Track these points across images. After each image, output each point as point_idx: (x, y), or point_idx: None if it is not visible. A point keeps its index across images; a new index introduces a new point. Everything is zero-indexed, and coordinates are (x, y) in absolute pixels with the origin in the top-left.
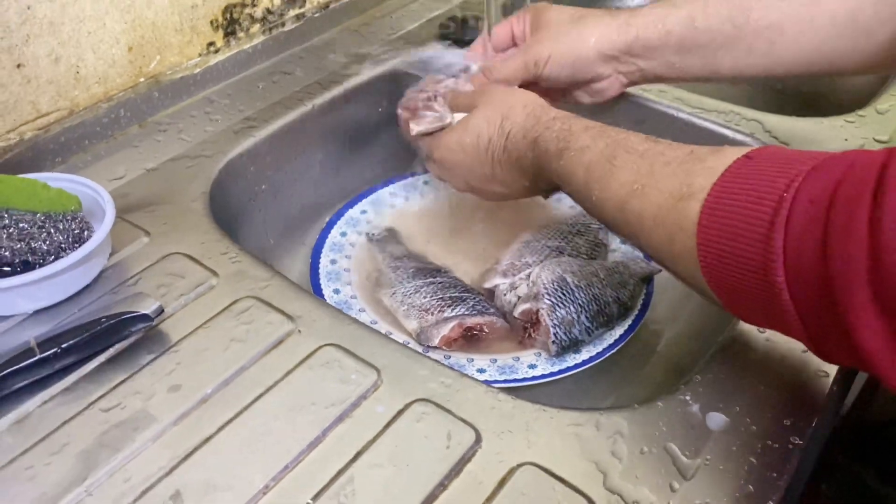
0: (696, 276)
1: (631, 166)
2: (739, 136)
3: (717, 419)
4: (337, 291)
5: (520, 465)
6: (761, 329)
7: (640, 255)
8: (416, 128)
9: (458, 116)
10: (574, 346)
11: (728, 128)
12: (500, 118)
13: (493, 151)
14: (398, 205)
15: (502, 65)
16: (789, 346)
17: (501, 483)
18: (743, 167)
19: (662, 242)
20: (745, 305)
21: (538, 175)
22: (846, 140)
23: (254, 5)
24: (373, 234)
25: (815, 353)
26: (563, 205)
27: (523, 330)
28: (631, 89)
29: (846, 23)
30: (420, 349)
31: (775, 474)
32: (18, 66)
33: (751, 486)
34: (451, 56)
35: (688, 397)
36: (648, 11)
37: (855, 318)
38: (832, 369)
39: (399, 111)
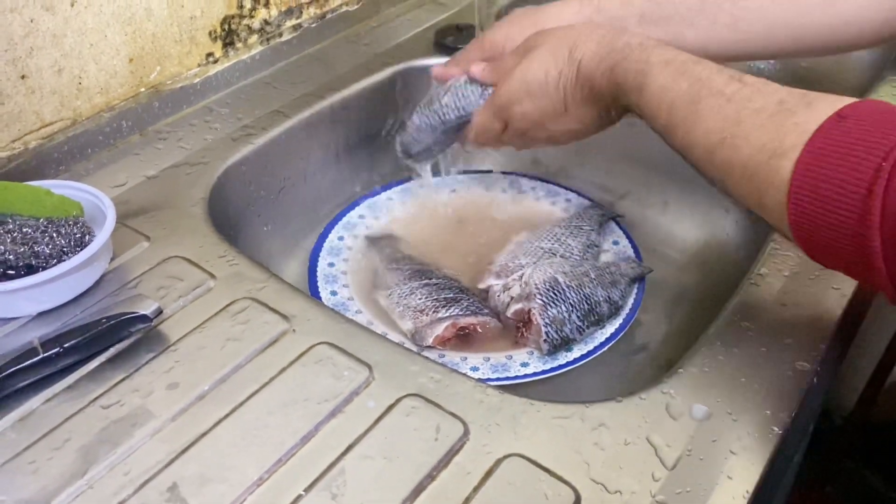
0: (781, 225)
1: (717, 113)
2: None
3: (698, 411)
4: (334, 293)
5: (506, 457)
6: (745, 324)
7: (632, 255)
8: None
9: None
10: (565, 344)
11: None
12: (567, 49)
13: (564, 84)
14: (395, 209)
15: (459, 55)
16: (771, 339)
17: (488, 474)
18: (835, 128)
19: (751, 194)
20: (831, 259)
21: (614, 103)
22: None
23: (251, 17)
24: (370, 237)
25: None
26: (556, 207)
27: (516, 329)
28: None
29: None
30: (413, 348)
31: (754, 465)
32: (23, 77)
33: (730, 476)
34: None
35: (671, 391)
36: None
37: None
38: (813, 361)
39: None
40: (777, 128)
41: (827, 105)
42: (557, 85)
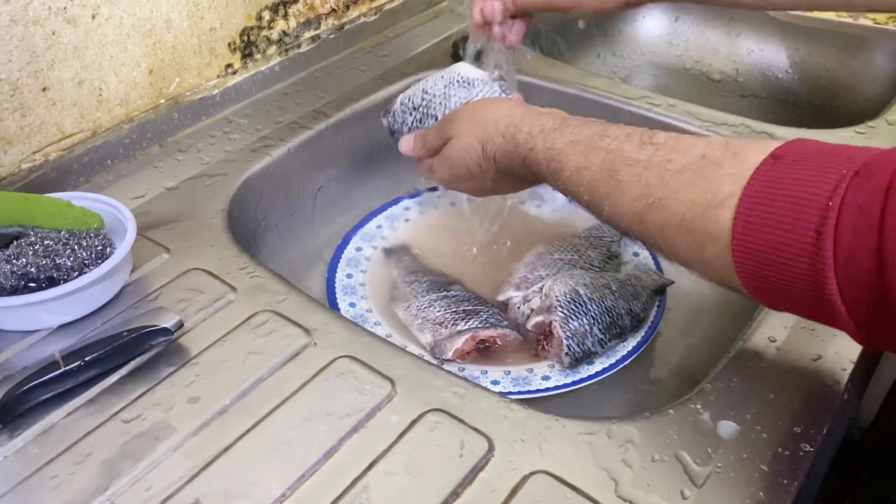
0: (727, 277)
1: (638, 180)
2: None
3: (727, 427)
4: (353, 305)
5: (532, 474)
6: (772, 338)
7: (653, 266)
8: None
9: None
10: (587, 357)
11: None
12: (479, 145)
13: (489, 173)
14: (413, 219)
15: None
16: (800, 354)
17: (514, 491)
18: (773, 170)
19: (691, 250)
20: (785, 304)
21: (537, 182)
22: None
23: (270, 28)
24: (389, 249)
25: (864, 345)
26: (575, 217)
27: (537, 342)
28: (638, 105)
29: None
30: (434, 361)
31: (786, 481)
32: (44, 89)
33: (761, 494)
34: (470, 72)
35: (699, 406)
36: None
37: None
38: (843, 377)
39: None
40: (707, 181)
41: (754, 151)
42: (483, 175)
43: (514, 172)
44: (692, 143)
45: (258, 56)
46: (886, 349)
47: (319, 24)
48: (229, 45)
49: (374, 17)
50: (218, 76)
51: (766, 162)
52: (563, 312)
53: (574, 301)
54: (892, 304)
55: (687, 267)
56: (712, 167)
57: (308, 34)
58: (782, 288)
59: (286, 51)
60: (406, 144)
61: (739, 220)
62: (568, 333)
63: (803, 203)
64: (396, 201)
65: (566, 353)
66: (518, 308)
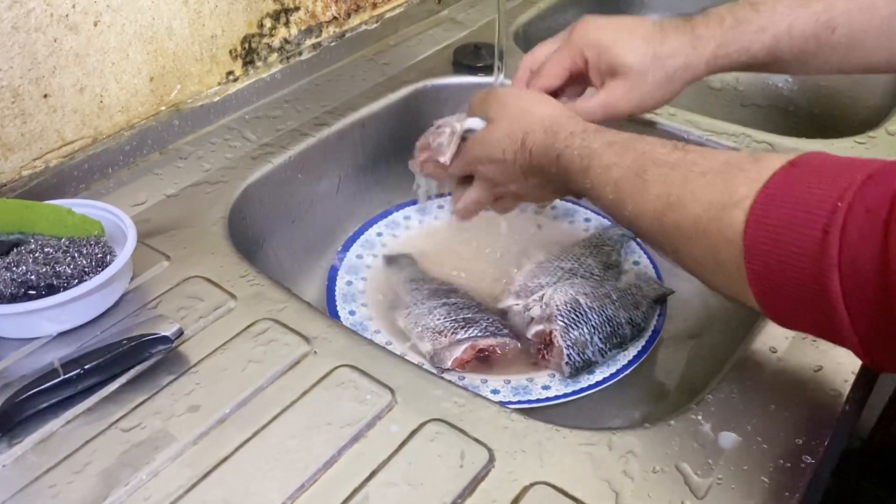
0: (738, 284)
1: (663, 179)
2: None
3: (728, 438)
4: (353, 313)
5: (533, 485)
6: (773, 348)
7: (654, 276)
8: (443, 158)
9: (470, 122)
10: (587, 367)
11: (739, 150)
12: (521, 134)
13: (520, 164)
14: (413, 227)
15: (582, 102)
16: (801, 365)
17: (514, 502)
18: (789, 175)
19: (705, 252)
20: (792, 314)
21: (565, 186)
22: None
23: (271, 35)
24: (389, 256)
25: (867, 362)
26: (576, 226)
27: (537, 351)
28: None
29: None
30: (434, 370)
31: (787, 493)
32: (45, 96)
33: None
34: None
35: (699, 417)
36: (735, 38)
37: None
38: (845, 388)
39: (416, 152)
40: (726, 183)
41: (776, 159)
42: (514, 163)
43: (545, 170)
44: (721, 151)
45: (259, 63)
46: (890, 370)
47: (321, 31)
48: (230, 52)
49: (375, 25)
50: (219, 83)
51: (784, 167)
52: (563, 322)
53: (574, 310)
54: (894, 312)
55: (702, 275)
56: (733, 171)
57: (309, 42)
58: (789, 292)
59: (287, 58)
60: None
61: (752, 220)
62: (568, 343)
63: (814, 204)
64: (397, 208)
65: (566, 363)
66: (518, 316)
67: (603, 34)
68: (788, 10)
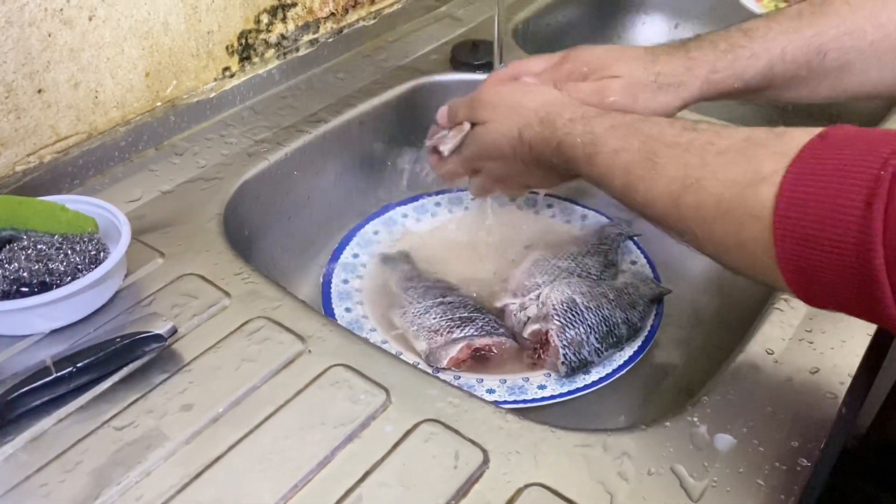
0: (764, 263)
1: (677, 161)
2: None
3: (724, 440)
4: (348, 310)
5: (527, 486)
6: (769, 350)
7: (650, 275)
8: (444, 147)
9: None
10: (583, 367)
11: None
12: (517, 130)
13: (521, 158)
14: (410, 225)
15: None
16: (798, 367)
17: (509, 503)
18: (820, 147)
19: (728, 232)
20: (827, 291)
21: (570, 174)
22: None
23: (268, 31)
24: (385, 255)
25: None
26: (573, 226)
27: (533, 350)
28: None
29: None
30: (429, 369)
31: (783, 496)
32: (39, 91)
33: None
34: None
35: (695, 418)
36: (728, 64)
37: None
38: (841, 391)
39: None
40: (749, 160)
41: (800, 133)
42: (515, 159)
43: (547, 160)
44: (736, 129)
45: (256, 59)
46: None
47: (318, 27)
48: (227, 48)
49: (372, 22)
50: (215, 79)
51: (814, 140)
52: (559, 321)
53: (571, 310)
54: None
55: (720, 256)
56: (755, 147)
57: (306, 38)
58: (825, 269)
59: (284, 54)
60: (441, 115)
61: (783, 196)
62: (564, 342)
63: (853, 175)
64: (394, 206)
65: (562, 363)
66: (514, 315)
67: (598, 52)
68: (781, 35)
